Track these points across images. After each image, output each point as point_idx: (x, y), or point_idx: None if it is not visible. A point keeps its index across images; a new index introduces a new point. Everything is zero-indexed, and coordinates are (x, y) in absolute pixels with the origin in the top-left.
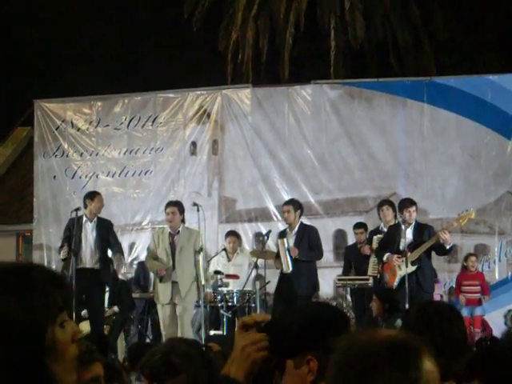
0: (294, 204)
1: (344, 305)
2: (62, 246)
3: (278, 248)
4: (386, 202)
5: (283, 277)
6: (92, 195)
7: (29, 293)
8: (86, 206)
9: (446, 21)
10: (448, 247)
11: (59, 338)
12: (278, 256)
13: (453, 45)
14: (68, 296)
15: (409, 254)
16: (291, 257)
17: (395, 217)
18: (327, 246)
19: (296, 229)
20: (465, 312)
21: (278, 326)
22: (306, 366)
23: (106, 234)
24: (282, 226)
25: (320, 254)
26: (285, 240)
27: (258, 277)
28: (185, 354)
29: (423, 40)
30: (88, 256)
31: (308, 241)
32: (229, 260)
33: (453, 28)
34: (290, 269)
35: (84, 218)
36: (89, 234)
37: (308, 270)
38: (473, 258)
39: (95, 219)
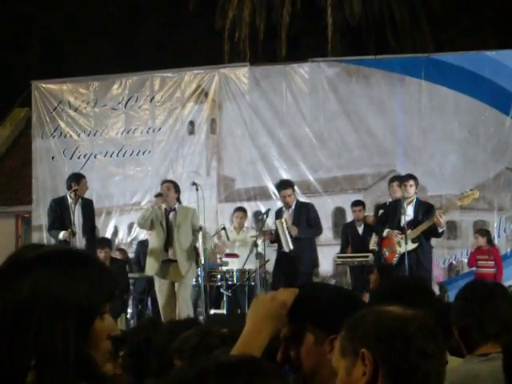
0: (292, 186)
1: (344, 282)
2: (56, 228)
3: (275, 227)
4: (397, 178)
5: (282, 255)
6: (77, 178)
7: (89, 275)
8: (69, 187)
9: None
10: (440, 230)
11: (97, 327)
12: (275, 234)
13: (450, 21)
14: (114, 288)
15: (409, 231)
16: (291, 236)
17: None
18: (326, 224)
19: (293, 206)
20: None
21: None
22: (329, 345)
23: (91, 213)
24: (280, 205)
25: (319, 230)
26: (283, 220)
27: (258, 255)
28: (221, 335)
29: (420, 16)
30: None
31: (306, 218)
32: (237, 234)
33: (450, 4)
34: (291, 247)
35: (69, 200)
36: (76, 215)
37: (308, 246)
38: (476, 235)
39: (80, 200)
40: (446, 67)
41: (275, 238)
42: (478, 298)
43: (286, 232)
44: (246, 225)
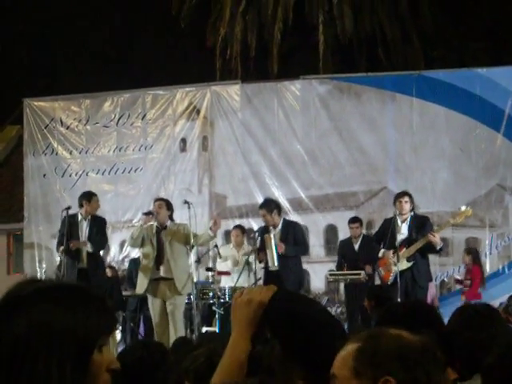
0: (267, 206)
1: (336, 299)
2: (58, 244)
3: (262, 243)
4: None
5: (269, 274)
6: (89, 197)
7: (87, 308)
8: (81, 206)
9: (433, 14)
10: (438, 248)
11: (96, 360)
12: (260, 250)
13: (441, 38)
14: (112, 321)
15: (404, 249)
16: (278, 253)
17: (411, 210)
18: (318, 241)
19: (280, 226)
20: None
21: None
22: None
23: (99, 228)
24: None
25: (306, 249)
26: (271, 235)
27: (250, 273)
28: None
29: (411, 33)
30: (84, 255)
31: (293, 237)
32: (238, 253)
33: (441, 21)
34: (276, 265)
35: (79, 217)
36: (83, 232)
37: (295, 265)
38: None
39: (89, 217)
40: (437, 84)
41: (262, 256)
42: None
43: (274, 248)
44: (245, 242)
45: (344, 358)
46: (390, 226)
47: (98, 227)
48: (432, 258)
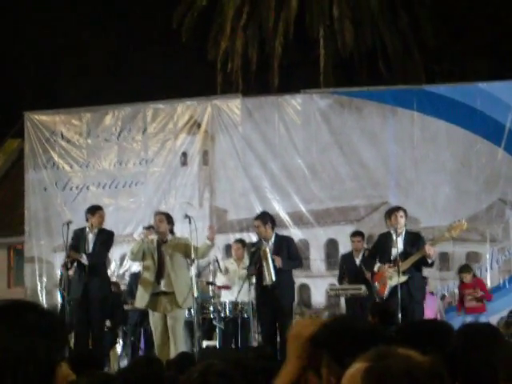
0: (262, 218)
1: (337, 314)
2: (68, 258)
3: (257, 257)
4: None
5: (263, 290)
6: (93, 210)
7: (42, 326)
8: (87, 220)
9: (434, 28)
10: (430, 261)
11: (57, 375)
12: (252, 265)
13: (442, 52)
14: (67, 335)
15: (400, 263)
16: (275, 267)
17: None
18: (319, 255)
19: (272, 240)
20: (469, 320)
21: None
22: None
23: (104, 241)
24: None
25: (300, 263)
26: (267, 249)
27: (251, 287)
28: (222, 374)
29: (412, 47)
30: (87, 269)
31: (287, 251)
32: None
33: (442, 35)
34: (274, 279)
35: (86, 230)
36: (89, 246)
37: (289, 280)
38: (462, 275)
39: (96, 231)
40: (437, 99)
41: (255, 271)
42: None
43: (270, 262)
44: (245, 256)
45: (353, 377)
46: (385, 240)
47: (102, 240)
48: (432, 272)
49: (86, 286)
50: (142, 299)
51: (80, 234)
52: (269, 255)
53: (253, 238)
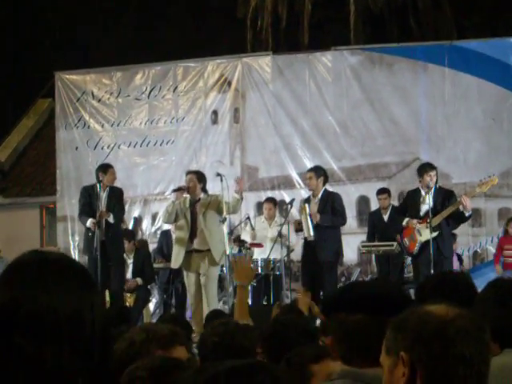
0: (317, 170)
1: (369, 271)
2: (85, 214)
3: (300, 214)
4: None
5: (307, 244)
6: (104, 168)
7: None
8: (97, 178)
9: None
10: (467, 214)
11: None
12: (299, 221)
13: (473, 6)
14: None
15: (428, 219)
16: (313, 222)
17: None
18: (350, 213)
19: (319, 195)
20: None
21: None
22: None
23: (117, 198)
24: (305, 194)
25: (343, 220)
26: (306, 205)
27: (283, 245)
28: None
29: (443, 2)
30: (103, 227)
31: (331, 206)
32: (269, 226)
33: None
34: (312, 234)
35: (98, 188)
36: (102, 204)
37: (331, 236)
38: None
39: (107, 189)
40: (469, 54)
41: (299, 227)
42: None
43: (308, 218)
44: (277, 215)
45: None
46: (414, 196)
47: (117, 198)
48: (465, 228)
49: (104, 244)
50: (176, 259)
51: (91, 192)
52: (307, 211)
53: (285, 195)
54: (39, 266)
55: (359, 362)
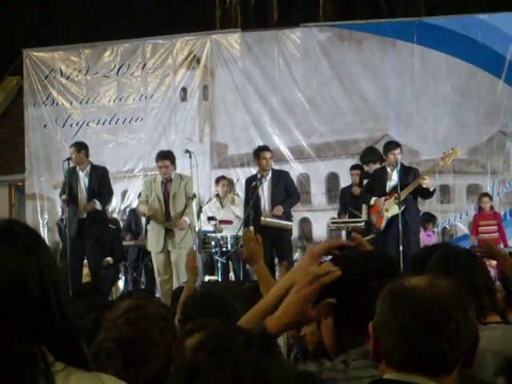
0: (272, 151)
1: None
2: (61, 194)
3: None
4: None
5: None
6: (74, 147)
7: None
8: (70, 156)
9: None
10: (431, 189)
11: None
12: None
13: None
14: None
15: (395, 195)
16: (280, 217)
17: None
18: (320, 190)
19: (270, 174)
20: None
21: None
22: None
23: (98, 183)
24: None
25: (298, 198)
26: (263, 218)
27: (251, 222)
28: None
29: None
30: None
31: (284, 185)
32: (222, 205)
33: None
34: (291, 227)
35: (77, 167)
36: (81, 183)
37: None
38: (485, 199)
39: (88, 168)
40: (438, 31)
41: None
42: None
43: (275, 220)
44: (232, 194)
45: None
46: (380, 174)
47: (101, 179)
48: (433, 205)
49: (83, 222)
50: (158, 243)
51: (72, 172)
52: (268, 219)
53: (254, 172)
54: None
55: None
